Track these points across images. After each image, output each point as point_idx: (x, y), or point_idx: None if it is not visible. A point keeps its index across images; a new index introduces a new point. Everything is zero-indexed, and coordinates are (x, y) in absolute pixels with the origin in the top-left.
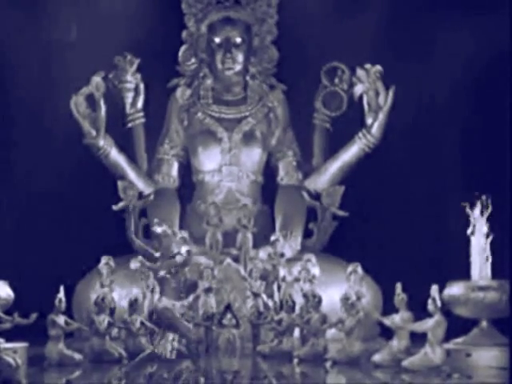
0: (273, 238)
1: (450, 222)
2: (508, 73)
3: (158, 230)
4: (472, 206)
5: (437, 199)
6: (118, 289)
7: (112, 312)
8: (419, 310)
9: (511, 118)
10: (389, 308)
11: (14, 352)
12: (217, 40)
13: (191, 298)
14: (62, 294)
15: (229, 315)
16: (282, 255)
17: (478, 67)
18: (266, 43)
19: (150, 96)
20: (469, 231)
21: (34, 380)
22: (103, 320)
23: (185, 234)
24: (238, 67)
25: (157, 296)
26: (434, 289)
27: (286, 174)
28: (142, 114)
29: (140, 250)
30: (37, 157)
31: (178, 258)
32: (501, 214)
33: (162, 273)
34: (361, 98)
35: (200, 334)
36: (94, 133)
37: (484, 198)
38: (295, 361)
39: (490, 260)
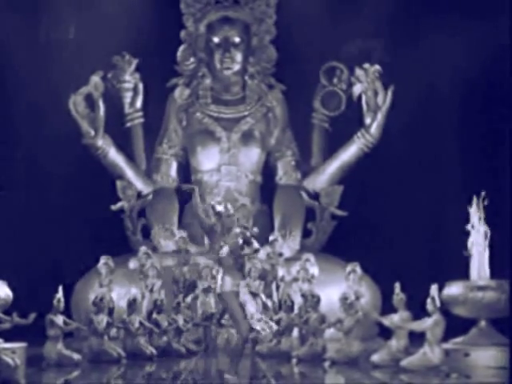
0: (271, 237)
1: (449, 222)
2: (508, 73)
3: (219, 207)
4: (470, 207)
5: (435, 199)
6: (116, 288)
7: (111, 312)
8: (418, 310)
9: (511, 118)
10: (388, 308)
11: (13, 352)
12: (215, 40)
13: (190, 297)
14: (60, 294)
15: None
16: (281, 255)
17: (478, 68)
18: (265, 43)
19: (148, 96)
20: (468, 230)
21: (33, 380)
22: (102, 320)
23: (184, 233)
24: (237, 67)
25: (220, 276)
26: (434, 288)
27: (284, 173)
28: (140, 113)
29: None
30: (36, 157)
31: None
32: (501, 214)
33: (224, 252)
34: (359, 97)
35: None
36: (92, 132)
37: (482, 197)
38: (294, 361)
39: (488, 260)
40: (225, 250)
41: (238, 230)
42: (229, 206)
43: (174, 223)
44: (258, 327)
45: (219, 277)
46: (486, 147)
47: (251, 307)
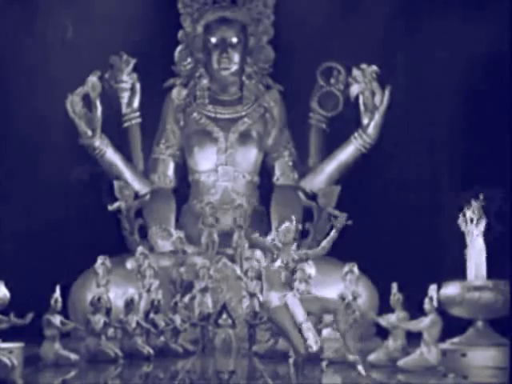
0: (268, 238)
1: (446, 222)
2: (508, 71)
3: (286, 224)
4: (468, 206)
5: (433, 199)
6: (114, 288)
7: (108, 312)
8: (415, 310)
9: (511, 117)
10: (385, 308)
11: (10, 352)
12: (213, 40)
13: (187, 298)
14: (57, 294)
15: (225, 315)
16: None
17: (478, 65)
18: (262, 43)
19: (146, 96)
20: (465, 230)
21: (30, 380)
22: (99, 320)
23: (181, 233)
24: (234, 67)
25: (264, 292)
26: (433, 288)
27: (282, 174)
28: (137, 113)
29: (262, 246)
30: (33, 157)
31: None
32: (499, 214)
33: (275, 266)
34: (357, 98)
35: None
36: (89, 133)
37: (480, 198)
38: (291, 360)
39: (485, 260)
40: (277, 263)
41: (294, 245)
42: (292, 220)
43: (171, 223)
44: (306, 336)
45: (264, 293)
46: (485, 146)
47: (300, 317)
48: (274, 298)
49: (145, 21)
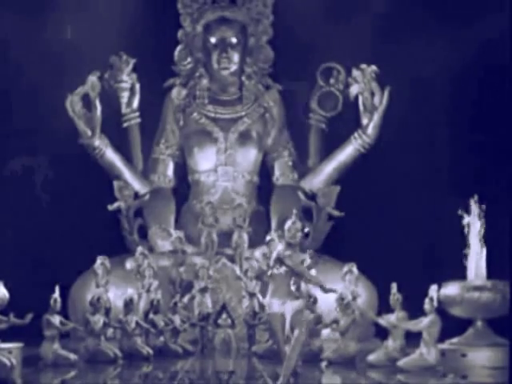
0: (268, 237)
1: (446, 222)
2: (508, 72)
3: (291, 222)
4: (468, 207)
5: (433, 199)
6: (113, 289)
7: (107, 312)
8: (415, 310)
9: (511, 118)
10: (384, 308)
11: (9, 352)
12: (212, 40)
13: (186, 298)
14: (57, 294)
15: (224, 315)
16: None
17: (478, 67)
18: (262, 43)
19: (145, 96)
20: (465, 230)
21: (29, 380)
22: (98, 320)
23: (180, 233)
24: (234, 67)
25: (268, 297)
26: (433, 289)
27: (281, 174)
28: (137, 113)
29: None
30: (33, 156)
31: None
32: (500, 215)
33: (283, 271)
34: (356, 98)
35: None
36: (89, 132)
37: (479, 198)
38: None
39: (485, 260)
40: (284, 268)
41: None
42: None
43: (171, 223)
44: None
45: (268, 297)
46: (485, 146)
47: (286, 331)
48: (275, 304)
49: (144, 21)
